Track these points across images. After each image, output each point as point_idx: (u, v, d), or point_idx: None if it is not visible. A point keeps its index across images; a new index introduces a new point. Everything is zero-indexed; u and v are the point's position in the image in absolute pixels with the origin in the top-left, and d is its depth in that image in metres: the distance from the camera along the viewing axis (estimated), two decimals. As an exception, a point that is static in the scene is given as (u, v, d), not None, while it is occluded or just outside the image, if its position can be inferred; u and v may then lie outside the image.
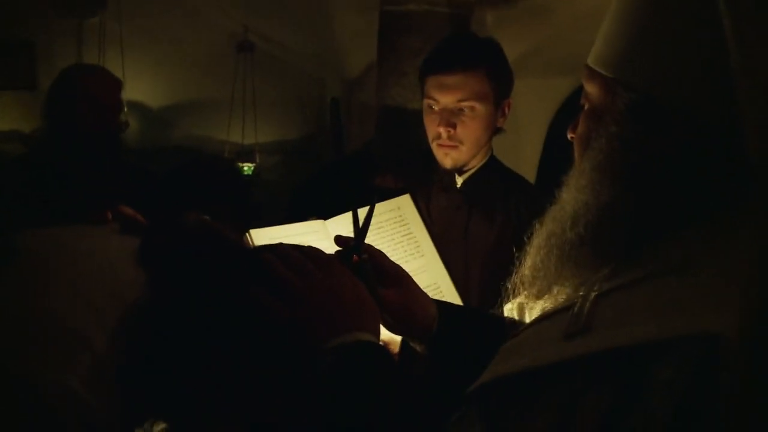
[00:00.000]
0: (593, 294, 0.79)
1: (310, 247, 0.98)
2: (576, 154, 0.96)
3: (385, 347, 0.94)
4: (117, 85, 2.63)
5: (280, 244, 0.99)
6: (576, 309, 0.78)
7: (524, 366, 0.76)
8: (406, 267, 1.75)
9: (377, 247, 1.69)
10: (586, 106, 0.94)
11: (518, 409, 0.73)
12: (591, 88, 0.92)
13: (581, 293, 0.83)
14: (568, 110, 4.77)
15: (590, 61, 0.93)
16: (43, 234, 0.95)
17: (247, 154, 4.76)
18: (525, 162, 4.21)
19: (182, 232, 0.98)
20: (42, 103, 2.55)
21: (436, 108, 1.87)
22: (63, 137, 2.48)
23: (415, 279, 1.71)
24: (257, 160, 4.74)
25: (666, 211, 0.82)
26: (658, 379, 0.62)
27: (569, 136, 1.00)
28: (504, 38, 3.37)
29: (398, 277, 1.13)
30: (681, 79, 0.80)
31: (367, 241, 1.13)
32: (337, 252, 1.11)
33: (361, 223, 1.11)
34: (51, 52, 4.40)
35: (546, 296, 1.00)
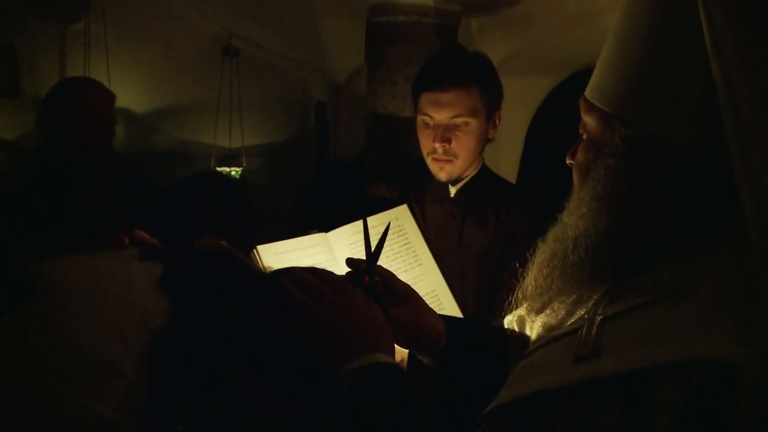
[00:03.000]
0: (599, 318, 0.84)
1: (323, 270, 1.02)
2: (575, 181, 1.01)
3: (401, 368, 0.98)
4: (111, 98, 2.65)
5: (295, 268, 1.03)
6: (584, 333, 0.84)
7: (539, 388, 0.81)
8: (406, 276, 1.82)
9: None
10: (585, 137, 0.99)
11: (536, 429, 0.78)
12: (589, 120, 0.96)
13: (586, 316, 0.89)
14: (547, 110, 4.84)
15: (588, 94, 0.97)
16: (65, 263, 0.96)
17: (233, 158, 4.76)
18: (505, 160, 4.26)
19: (201, 259, 1.01)
20: (37, 116, 2.57)
21: (430, 123, 1.93)
22: (58, 150, 2.50)
23: (413, 287, 1.77)
24: (244, 164, 4.74)
25: (662, 238, 0.88)
26: (663, 400, 0.67)
27: (568, 162, 1.05)
28: (487, 43, 3.45)
29: (408, 296, 1.18)
30: (676, 116, 0.86)
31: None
32: (349, 273, 1.15)
33: (373, 246, 1.15)
34: (34, 58, 4.36)
35: (545, 311, 1.06)
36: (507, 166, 4.22)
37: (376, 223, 1.86)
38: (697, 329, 0.72)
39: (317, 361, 0.90)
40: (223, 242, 1.11)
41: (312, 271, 1.01)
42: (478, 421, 0.87)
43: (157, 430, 0.94)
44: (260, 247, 1.60)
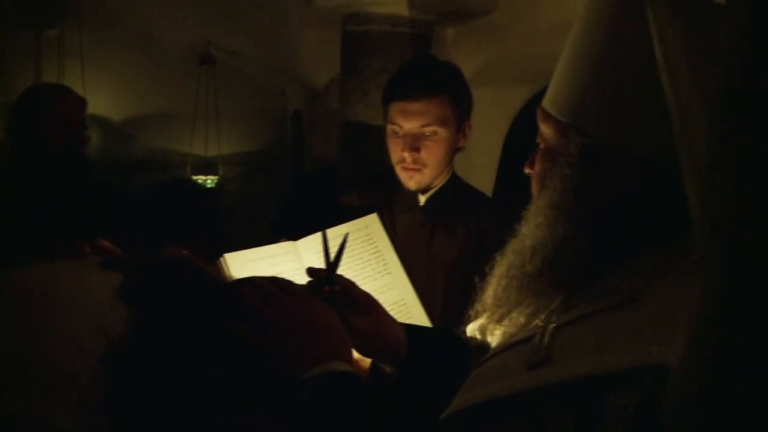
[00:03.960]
0: (551, 326, 0.85)
1: (284, 280, 1.03)
2: (534, 191, 1.02)
3: (358, 375, 0.99)
4: (81, 104, 2.64)
5: (255, 277, 1.03)
6: (536, 340, 0.84)
7: (492, 395, 0.82)
8: (374, 284, 1.82)
9: (347, 266, 1.76)
10: (542, 146, 1.01)
11: None
12: (546, 130, 0.98)
13: (540, 324, 0.90)
14: (524, 119, 4.88)
15: (545, 104, 0.99)
16: (23, 271, 0.97)
17: (210, 166, 4.75)
18: (482, 169, 4.29)
19: (162, 269, 1.01)
20: (5, 122, 2.55)
21: (400, 133, 1.94)
22: (29, 157, 2.48)
23: (382, 296, 1.78)
24: (220, 172, 4.73)
25: (616, 246, 0.89)
26: (614, 406, 0.67)
27: (526, 171, 1.06)
28: (462, 53, 3.47)
29: (368, 304, 1.18)
30: (628, 125, 0.87)
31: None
32: (309, 283, 1.16)
33: (332, 253, 1.16)
34: (8, 64, 4.33)
35: (504, 320, 1.07)
36: (483, 176, 4.24)
37: (344, 231, 1.87)
38: (646, 336, 0.72)
39: (275, 369, 0.90)
40: (185, 251, 1.11)
41: (272, 280, 1.02)
42: (432, 428, 0.88)
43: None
44: (227, 255, 1.59)
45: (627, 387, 0.67)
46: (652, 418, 0.64)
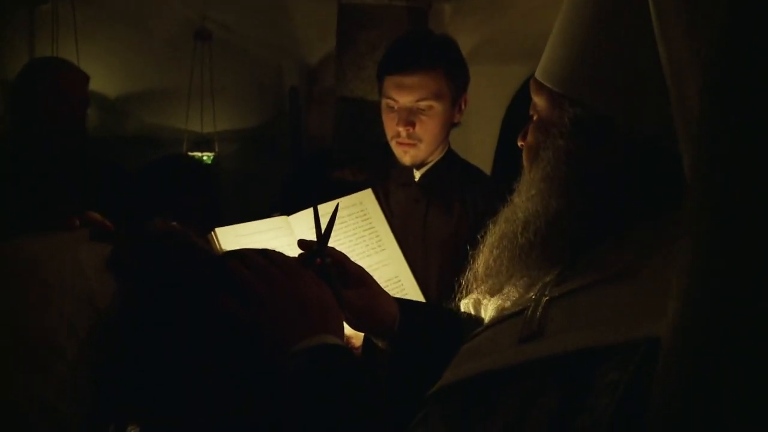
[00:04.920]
0: (544, 299, 0.84)
1: (274, 252, 1.02)
2: (525, 163, 1.01)
3: (349, 348, 0.98)
4: (85, 79, 2.60)
5: (245, 249, 1.02)
6: (528, 314, 0.83)
7: (482, 369, 0.82)
8: (369, 261, 1.81)
9: (341, 242, 1.75)
10: (535, 117, 0.99)
11: (479, 410, 0.77)
12: (539, 101, 0.97)
13: (532, 296, 0.89)
14: (523, 97, 4.84)
15: (538, 74, 0.97)
16: (11, 245, 0.95)
17: (206, 143, 4.72)
18: (481, 147, 4.27)
19: (150, 240, 1.00)
20: (6, 97, 2.51)
21: (394, 107, 1.91)
22: (31, 131, 2.45)
23: (377, 272, 1.77)
24: (216, 149, 4.71)
25: (610, 218, 0.88)
26: (603, 381, 0.66)
27: (519, 143, 1.05)
28: (461, 29, 3.44)
29: (361, 278, 1.18)
30: (622, 96, 0.86)
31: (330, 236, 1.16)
32: (301, 255, 1.14)
33: (323, 226, 1.15)
34: (2, 39, 4.28)
35: (498, 294, 1.06)
36: (482, 153, 4.22)
37: (340, 207, 1.85)
38: (638, 309, 0.71)
39: (265, 342, 0.90)
40: (174, 223, 1.10)
41: (263, 252, 1.01)
42: (422, 402, 0.87)
43: (105, 420, 0.93)
44: (219, 230, 1.58)
45: (617, 361, 0.67)
46: (642, 393, 0.63)
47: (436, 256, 1.98)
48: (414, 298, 1.84)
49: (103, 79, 4.39)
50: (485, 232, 1.05)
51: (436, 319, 1.25)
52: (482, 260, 1.04)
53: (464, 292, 1.15)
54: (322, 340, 0.89)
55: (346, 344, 0.96)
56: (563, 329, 0.78)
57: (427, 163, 2.01)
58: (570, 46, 0.91)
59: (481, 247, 1.05)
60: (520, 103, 4.83)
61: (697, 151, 0.69)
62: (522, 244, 0.94)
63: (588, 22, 0.89)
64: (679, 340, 0.56)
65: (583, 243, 0.90)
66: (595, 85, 0.88)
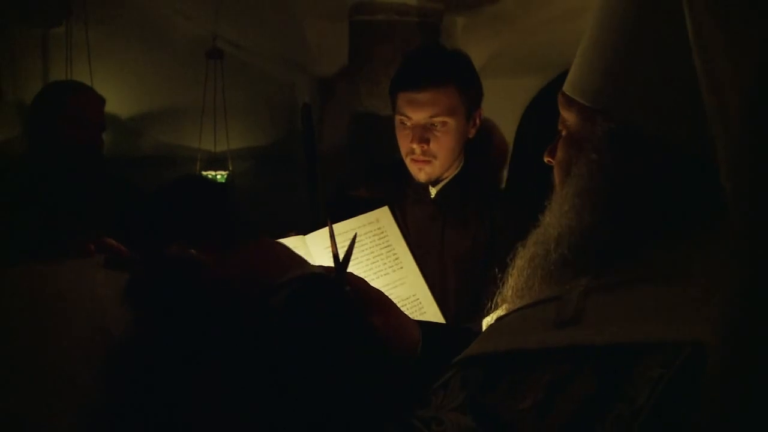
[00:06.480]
0: (580, 289, 0.83)
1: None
2: (556, 179, 0.99)
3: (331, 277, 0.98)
4: (102, 103, 2.61)
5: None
6: (565, 301, 0.82)
7: (513, 346, 0.81)
8: (386, 279, 1.79)
9: (358, 261, 1.73)
10: (564, 133, 0.98)
11: (503, 386, 0.76)
12: (569, 116, 0.95)
13: (567, 287, 0.87)
14: (535, 109, 4.83)
15: (567, 89, 0.96)
16: (24, 270, 0.95)
17: (219, 162, 4.73)
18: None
19: (167, 269, 0.99)
20: (25, 121, 2.52)
21: (408, 124, 1.89)
22: (47, 155, 2.46)
23: (394, 291, 1.75)
24: (230, 167, 4.71)
25: (646, 230, 0.86)
26: (645, 375, 0.66)
27: (546, 160, 1.03)
28: (473, 42, 3.43)
29: (381, 302, 1.15)
30: (658, 108, 0.85)
31: None
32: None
33: (341, 252, 1.12)
34: (16, 62, 4.32)
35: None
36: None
37: (356, 225, 1.84)
38: (681, 312, 0.71)
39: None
40: (192, 250, 1.09)
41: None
42: (446, 367, 0.86)
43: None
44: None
45: (662, 358, 0.67)
46: (683, 393, 0.64)
47: (454, 274, 1.96)
48: (432, 317, 1.81)
49: (116, 99, 4.42)
50: (514, 255, 1.03)
51: (458, 342, 1.23)
52: (512, 282, 1.02)
53: (489, 313, 1.13)
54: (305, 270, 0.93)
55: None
56: (602, 320, 0.77)
57: (442, 180, 1.99)
58: (601, 60, 0.90)
59: (510, 270, 1.03)
60: (532, 115, 4.82)
61: (738, 162, 0.67)
62: (555, 260, 0.92)
63: (620, 36, 0.88)
64: (728, 348, 0.57)
65: (615, 252, 0.88)
66: (628, 98, 0.87)
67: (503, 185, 2.85)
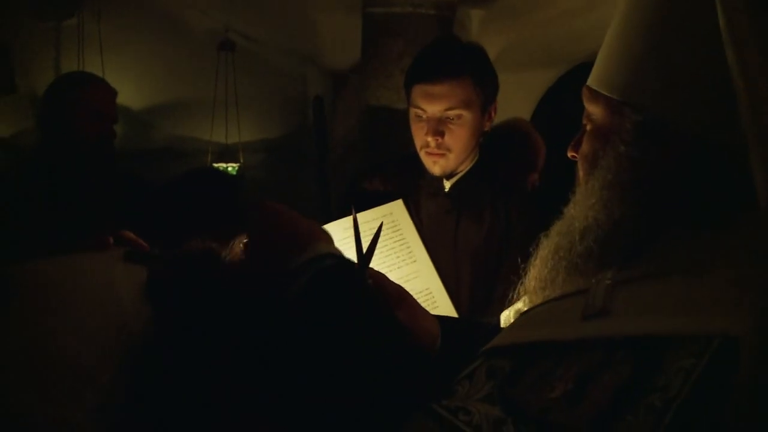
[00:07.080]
0: (607, 282, 0.83)
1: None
2: (581, 173, 0.99)
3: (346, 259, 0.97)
4: (114, 95, 2.61)
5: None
6: (592, 293, 0.82)
7: (542, 338, 0.81)
8: (400, 272, 1.79)
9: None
10: (589, 127, 0.97)
11: (531, 377, 0.76)
12: (595, 110, 0.95)
13: (593, 281, 0.87)
14: (549, 103, 4.81)
15: (592, 83, 0.95)
16: (44, 265, 0.93)
17: (230, 154, 4.73)
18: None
19: (188, 265, 0.98)
20: (38, 114, 2.52)
21: (423, 117, 1.88)
22: (60, 148, 2.46)
23: (408, 284, 1.74)
24: (241, 160, 4.72)
25: (673, 222, 0.86)
26: (675, 365, 0.66)
27: (570, 154, 1.03)
28: (486, 35, 3.41)
29: (401, 297, 1.15)
30: (686, 100, 0.84)
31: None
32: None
33: (364, 248, 1.12)
34: (29, 55, 4.33)
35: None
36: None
37: (370, 218, 1.84)
38: (710, 305, 0.71)
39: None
40: (213, 244, 1.08)
41: None
42: (473, 357, 0.86)
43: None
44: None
45: (694, 349, 0.67)
46: (716, 384, 0.63)
47: (468, 267, 1.95)
48: (445, 310, 1.81)
49: (128, 92, 4.42)
50: (536, 246, 1.02)
51: (478, 337, 1.22)
52: (534, 274, 1.02)
53: (509, 305, 1.12)
54: (317, 251, 0.93)
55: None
56: (632, 312, 0.77)
57: (457, 173, 1.97)
58: (628, 53, 0.90)
59: (533, 260, 1.02)
60: (546, 108, 4.80)
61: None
62: (581, 252, 0.92)
63: (648, 29, 0.88)
64: (763, 339, 0.57)
65: (641, 245, 0.88)
66: (657, 90, 0.86)
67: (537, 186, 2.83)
